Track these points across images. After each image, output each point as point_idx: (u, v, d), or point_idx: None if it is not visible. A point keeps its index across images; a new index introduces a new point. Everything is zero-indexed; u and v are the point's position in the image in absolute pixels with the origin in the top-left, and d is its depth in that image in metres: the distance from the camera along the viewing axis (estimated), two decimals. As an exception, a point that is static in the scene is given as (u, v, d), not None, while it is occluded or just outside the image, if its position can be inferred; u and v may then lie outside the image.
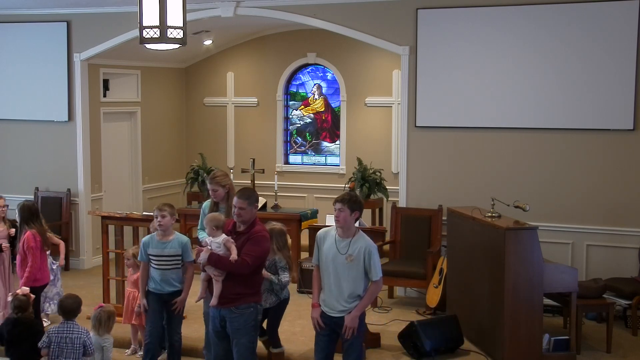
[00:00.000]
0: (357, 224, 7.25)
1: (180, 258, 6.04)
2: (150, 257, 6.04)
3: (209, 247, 5.44)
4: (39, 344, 5.59)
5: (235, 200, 5.47)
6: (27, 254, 6.62)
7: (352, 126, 11.20)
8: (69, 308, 5.61)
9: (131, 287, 6.83)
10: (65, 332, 5.55)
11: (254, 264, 5.37)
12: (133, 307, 6.64)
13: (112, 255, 7.92)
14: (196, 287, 6.11)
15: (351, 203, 5.29)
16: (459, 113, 8.28)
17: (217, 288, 5.44)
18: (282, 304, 6.39)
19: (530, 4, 7.93)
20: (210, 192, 6.27)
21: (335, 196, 5.47)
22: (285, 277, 6.24)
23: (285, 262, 6.28)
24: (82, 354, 5.59)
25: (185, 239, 6.12)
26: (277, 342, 6.52)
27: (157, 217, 6.01)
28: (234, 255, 5.35)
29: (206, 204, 6.40)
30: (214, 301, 5.48)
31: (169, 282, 6.03)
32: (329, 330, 5.40)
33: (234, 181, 10.02)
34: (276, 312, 6.39)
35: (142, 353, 6.54)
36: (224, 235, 5.47)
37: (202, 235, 6.22)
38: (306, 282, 8.60)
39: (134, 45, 8.73)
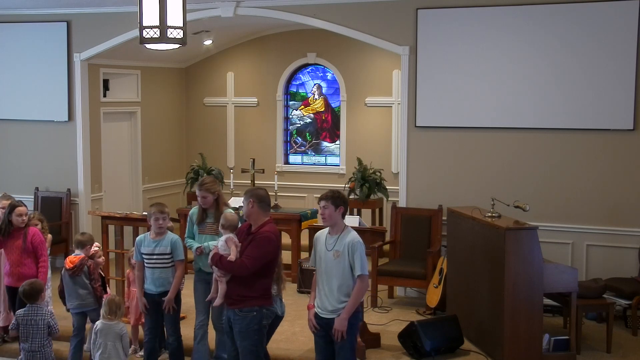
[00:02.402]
0: (357, 223, 7.31)
1: (170, 257, 6.03)
2: (143, 255, 6.08)
3: (217, 247, 5.48)
4: (9, 327, 6.14)
5: None
6: (39, 249, 6.67)
7: (352, 126, 11.20)
8: (28, 293, 5.98)
9: (134, 287, 6.85)
10: (30, 315, 5.95)
11: (252, 266, 5.31)
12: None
13: (112, 255, 7.92)
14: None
15: (334, 199, 5.32)
16: (458, 113, 8.28)
17: (221, 288, 5.45)
18: (275, 320, 6.30)
19: (530, 4, 7.93)
20: (199, 198, 6.22)
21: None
22: (272, 290, 6.14)
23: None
24: (48, 334, 5.97)
25: (175, 237, 6.10)
26: (266, 356, 6.46)
27: (158, 220, 6.03)
28: (232, 256, 5.34)
29: (193, 210, 6.35)
30: (217, 301, 5.48)
31: (159, 282, 6.04)
32: (324, 331, 5.39)
33: (233, 181, 10.14)
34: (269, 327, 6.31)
35: (142, 353, 6.56)
36: (228, 235, 5.47)
37: (190, 244, 6.23)
38: (306, 282, 8.61)
39: (134, 45, 8.73)
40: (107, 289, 6.85)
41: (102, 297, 6.33)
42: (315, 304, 5.43)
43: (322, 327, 5.38)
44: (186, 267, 6.46)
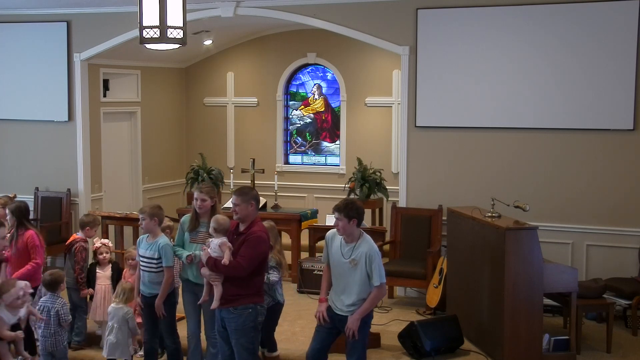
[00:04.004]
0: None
1: (158, 262, 5.94)
2: (139, 256, 6.09)
3: (208, 250, 5.46)
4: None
5: (232, 197, 5.52)
6: (32, 252, 6.62)
7: (352, 126, 11.19)
8: (47, 282, 6.13)
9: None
10: (47, 302, 6.08)
11: (249, 266, 5.34)
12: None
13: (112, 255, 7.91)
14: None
15: (347, 211, 5.31)
16: (458, 113, 8.28)
17: (217, 291, 5.46)
18: (277, 307, 6.32)
19: (530, 4, 7.93)
20: (198, 202, 5.92)
21: (336, 196, 5.54)
22: (273, 275, 6.13)
23: (274, 261, 6.23)
24: (58, 323, 6.03)
25: (164, 242, 5.95)
26: (273, 345, 6.47)
27: (139, 221, 6.13)
28: (225, 260, 5.33)
29: (185, 218, 6.09)
30: (215, 304, 5.48)
31: (148, 284, 6.03)
32: (331, 325, 5.50)
33: (233, 181, 10.13)
34: (271, 315, 6.32)
35: (142, 353, 6.56)
36: (222, 238, 5.46)
37: (180, 252, 5.99)
38: (306, 282, 8.61)
39: (134, 45, 8.73)
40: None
41: (81, 281, 6.85)
42: (329, 300, 5.52)
43: (332, 320, 5.49)
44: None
